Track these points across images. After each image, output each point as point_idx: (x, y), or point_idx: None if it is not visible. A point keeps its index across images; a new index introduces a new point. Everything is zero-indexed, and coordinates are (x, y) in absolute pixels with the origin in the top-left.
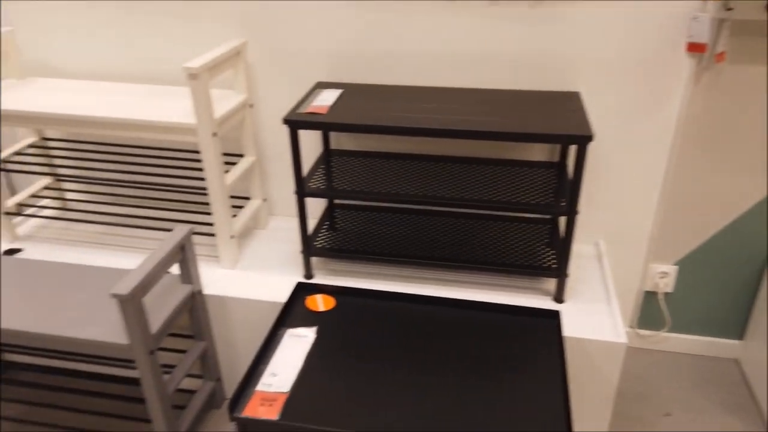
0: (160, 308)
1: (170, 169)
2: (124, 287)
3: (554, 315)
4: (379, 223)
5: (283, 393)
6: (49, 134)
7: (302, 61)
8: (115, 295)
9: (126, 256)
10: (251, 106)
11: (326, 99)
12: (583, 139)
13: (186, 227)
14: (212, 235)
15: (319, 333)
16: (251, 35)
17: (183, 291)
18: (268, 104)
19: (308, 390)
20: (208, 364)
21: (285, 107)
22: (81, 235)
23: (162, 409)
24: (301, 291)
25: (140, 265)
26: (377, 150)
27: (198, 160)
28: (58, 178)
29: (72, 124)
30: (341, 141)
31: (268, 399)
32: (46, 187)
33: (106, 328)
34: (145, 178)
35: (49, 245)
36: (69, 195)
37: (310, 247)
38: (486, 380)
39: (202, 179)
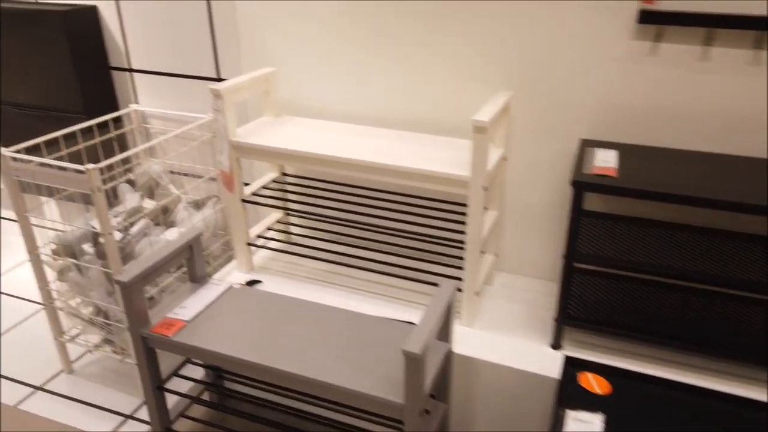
0: (428, 368)
1: (407, 215)
2: (417, 345)
3: None
4: (623, 294)
5: None
6: (287, 170)
7: (562, 116)
8: (407, 353)
9: (359, 299)
10: (505, 159)
11: (606, 160)
12: None
13: (452, 283)
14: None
15: (607, 423)
16: (515, 88)
17: (442, 349)
18: (519, 158)
19: None
20: (446, 427)
21: (536, 162)
22: (307, 270)
23: None
24: (570, 367)
25: (422, 321)
26: (626, 214)
27: (445, 210)
28: (290, 212)
29: (324, 163)
30: (591, 202)
31: None
32: (279, 221)
33: (379, 383)
34: (383, 222)
35: (280, 278)
36: (299, 230)
37: (564, 316)
38: None
39: (442, 229)
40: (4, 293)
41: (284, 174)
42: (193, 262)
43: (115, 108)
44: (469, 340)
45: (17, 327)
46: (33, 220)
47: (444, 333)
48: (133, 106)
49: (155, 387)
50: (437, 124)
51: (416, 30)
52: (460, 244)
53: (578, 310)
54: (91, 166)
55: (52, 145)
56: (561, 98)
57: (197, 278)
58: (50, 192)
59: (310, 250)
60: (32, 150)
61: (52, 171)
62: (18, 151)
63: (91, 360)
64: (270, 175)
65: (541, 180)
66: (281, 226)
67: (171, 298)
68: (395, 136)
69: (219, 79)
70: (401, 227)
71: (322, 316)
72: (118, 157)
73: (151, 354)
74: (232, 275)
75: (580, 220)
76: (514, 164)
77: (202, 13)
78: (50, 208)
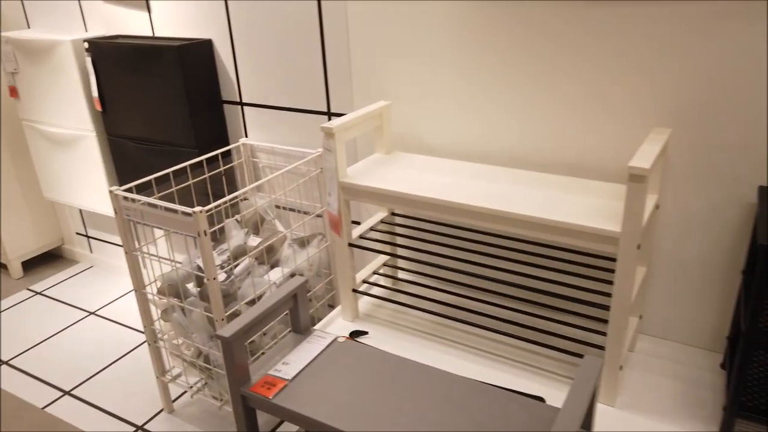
0: None
1: (534, 268)
2: None
3: None
4: None
5: None
6: (398, 209)
7: (731, 157)
8: None
9: (472, 359)
10: (658, 207)
11: None
12: None
13: (598, 361)
14: (578, 355)
15: None
16: (671, 123)
17: None
18: (674, 206)
19: None
20: None
21: (695, 212)
22: (416, 322)
23: None
24: None
25: (567, 408)
26: None
27: (582, 263)
28: (399, 257)
29: (444, 210)
30: None
31: None
32: (387, 264)
33: None
34: (503, 275)
35: (386, 329)
36: (408, 276)
37: (737, 405)
38: None
39: (578, 288)
40: (111, 320)
41: (393, 214)
42: (297, 312)
43: (225, 141)
44: (611, 423)
45: (129, 359)
46: (138, 253)
47: (587, 420)
48: (242, 140)
49: None
50: (573, 165)
51: (547, 60)
52: (598, 304)
53: (758, 398)
54: (198, 209)
55: (164, 181)
56: (732, 136)
57: (300, 329)
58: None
59: (421, 300)
60: (144, 186)
61: (161, 212)
62: (129, 189)
63: (190, 400)
64: (379, 215)
65: (699, 232)
66: (389, 270)
67: (273, 350)
68: (523, 178)
69: (330, 113)
70: (525, 282)
71: (435, 382)
72: (228, 197)
73: (250, 412)
74: (336, 323)
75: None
76: (668, 213)
77: (315, 45)
78: (156, 238)
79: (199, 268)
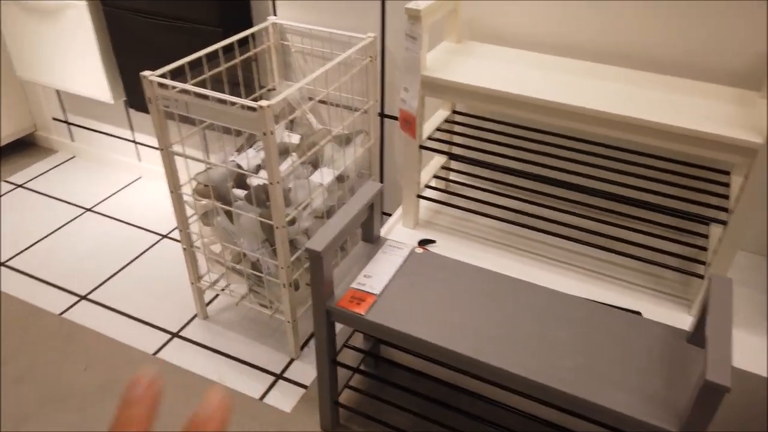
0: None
1: (622, 175)
2: (724, 377)
3: None
4: None
5: None
6: (459, 107)
7: None
8: (714, 386)
9: (550, 270)
10: None
11: None
12: None
13: (728, 281)
14: (679, 270)
15: None
16: None
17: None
18: None
19: None
20: None
21: None
22: (480, 229)
23: None
24: None
25: (714, 341)
26: None
27: (681, 173)
28: (462, 159)
29: (544, 111)
30: None
31: None
32: (444, 167)
33: (639, 402)
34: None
35: (450, 237)
36: (473, 181)
37: None
38: None
39: (676, 198)
40: (112, 217)
41: (455, 112)
42: (371, 221)
43: (249, 19)
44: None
45: (143, 261)
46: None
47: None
48: (271, 19)
49: (330, 360)
50: (679, 64)
51: None
52: (698, 216)
53: None
54: (265, 103)
55: (193, 66)
56: None
57: (372, 238)
58: (191, 120)
59: (488, 207)
60: (174, 73)
61: (212, 104)
62: (163, 75)
63: (223, 306)
64: (441, 113)
65: None
66: (445, 174)
67: (348, 262)
68: (620, 75)
69: None
70: (607, 188)
71: (530, 296)
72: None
73: (331, 328)
74: (397, 230)
75: None
76: None
77: None
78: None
79: (238, 166)
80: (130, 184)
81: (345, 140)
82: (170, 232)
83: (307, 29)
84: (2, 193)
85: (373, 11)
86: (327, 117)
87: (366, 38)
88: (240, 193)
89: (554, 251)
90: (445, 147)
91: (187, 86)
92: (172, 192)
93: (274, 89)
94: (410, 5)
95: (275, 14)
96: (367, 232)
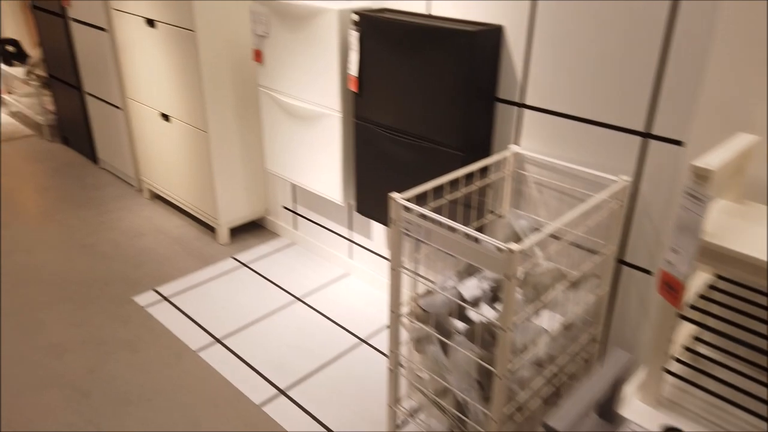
0: None
1: None
2: None
3: None
4: None
5: None
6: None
7: None
8: None
9: None
10: None
11: None
12: None
13: None
14: None
15: None
16: None
17: None
18: None
19: None
20: None
21: None
22: (737, 423)
23: None
24: None
25: None
26: None
27: None
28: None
29: None
30: None
31: None
32: (697, 338)
33: None
34: None
35: (700, 427)
36: (732, 363)
37: None
38: None
39: None
40: (317, 311)
41: (720, 277)
42: (612, 396)
43: (488, 146)
44: None
45: (342, 364)
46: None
47: None
48: (513, 148)
49: None
50: None
51: None
52: None
53: None
54: (514, 246)
55: (437, 191)
56: None
57: (611, 416)
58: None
59: (755, 402)
60: (420, 195)
61: (453, 236)
62: (409, 200)
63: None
64: (702, 276)
65: None
66: (694, 347)
67: None
68: None
69: (647, 134)
70: None
71: None
72: (539, 236)
73: None
74: (634, 407)
75: None
76: None
77: (651, 49)
78: (422, 255)
79: (461, 296)
80: (338, 278)
81: (573, 284)
82: (369, 337)
83: (549, 162)
84: (229, 270)
85: (628, 151)
86: (552, 251)
87: (618, 181)
88: (460, 325)
89: None
90: (698, 315)
91: (430, 213)
92: (392, 312)
93: (502, 216)
94: (699, 163)
95: (517, 143)
96: (605, 408)
